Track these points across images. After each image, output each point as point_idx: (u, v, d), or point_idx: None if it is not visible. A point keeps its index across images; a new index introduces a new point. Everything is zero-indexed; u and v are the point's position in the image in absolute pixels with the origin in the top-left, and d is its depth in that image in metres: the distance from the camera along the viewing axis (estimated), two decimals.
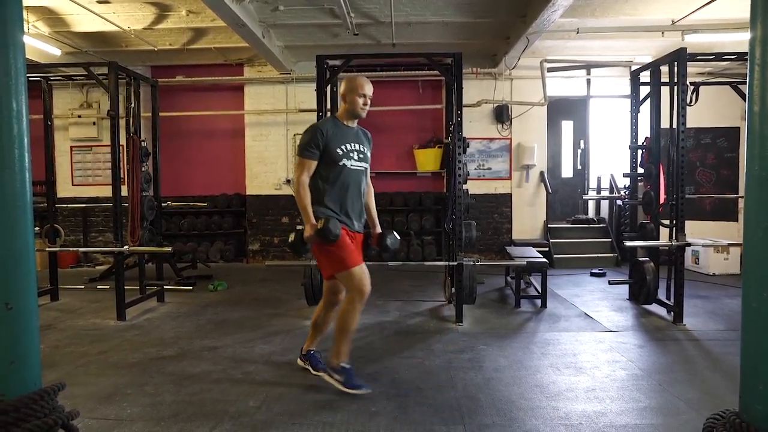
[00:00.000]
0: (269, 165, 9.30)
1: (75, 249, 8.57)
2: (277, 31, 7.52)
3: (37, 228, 6.15)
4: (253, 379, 3.65)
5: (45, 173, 6.19)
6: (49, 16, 6.78)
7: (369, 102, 3.39)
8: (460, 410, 3.10)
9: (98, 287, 6.93)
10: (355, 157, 3.37)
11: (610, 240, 8.97)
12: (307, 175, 3.27)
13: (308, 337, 3.75)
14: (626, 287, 6.16)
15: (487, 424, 2.92)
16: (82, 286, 6.99)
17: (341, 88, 3.41)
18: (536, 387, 3.48)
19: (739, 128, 8.92)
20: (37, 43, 7.17)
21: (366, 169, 3.47)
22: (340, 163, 3.29)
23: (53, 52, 7.57)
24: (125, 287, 5.34)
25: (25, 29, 5.94)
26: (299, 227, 3.35)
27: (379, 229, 3.62)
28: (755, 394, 1.51)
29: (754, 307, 1.53)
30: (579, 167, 9.72)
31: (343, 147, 3.31)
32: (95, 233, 9.57)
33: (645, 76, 5.91)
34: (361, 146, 3.44)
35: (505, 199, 9.29)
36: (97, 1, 6.22)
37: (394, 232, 3.57)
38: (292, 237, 3.37)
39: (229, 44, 7.92)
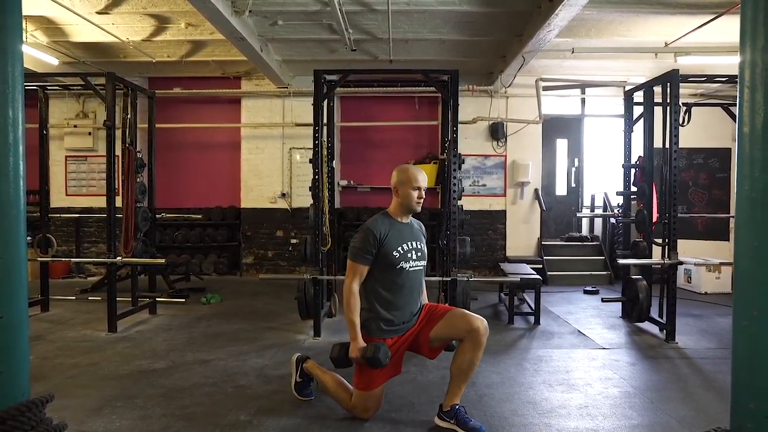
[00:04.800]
0: (265, 178, 9.31)
1: (67, 259, 8.50)
2: (276, 45, 7.57)
3: (29, 238, 6.11)
4: (244, 392, 3.62)
5: (39, 182, 6.17)
6: (48, 25, 6.81)
7: (424, 195, 3.13)
8: None
9: (90, 298, 6.87)
10: (414, 257, 3.12)
11: (603, 258, 8.99)
12: (359, 281, 3.04)
13: (448, 390, 3.10)
14: (619, 305, 6.17)
15: None
16: (74, 297, 6.92)
17: (393, 179, 3.14)
18: (529, 404, 3.47)
19: (730, 149, 9.02)
20: (35, 53, 7.19)
21: (424, 267, 3.22)
22: (398, 267, 3.05)
23: (51, 61, 7.59)
24: (117, 299, 5.30)
25: (24, 38, 5.96)
26: (343, 341, 3.12)
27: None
28: (746, 412, 1.52)
29: (744, 325, 1.54)
30: (573, 185, 9.76)
31: (400, 249, 3.07)
32: (88, 244, 9.51)
33: (638, 96, 5.98)
34: (419, 243, 3.19)
35: (500, 216, 9.31)
36: (97, 12, 6.25)
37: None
38: (335, 351, 3.12)
39: (227, 57, 7.96)
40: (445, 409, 3.05)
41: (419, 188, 3.09)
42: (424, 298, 3.33)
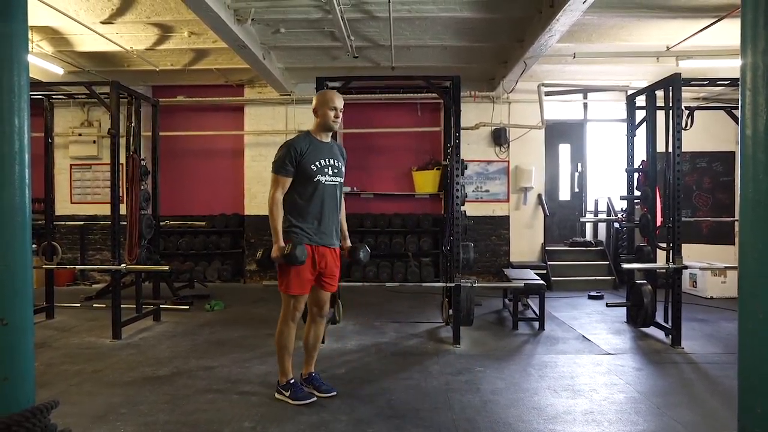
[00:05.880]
0: (268, 185, 9.28)
1: (72, 267, 8.53)
2: (278, 52, 7.61)
3: (34, 245, 6.13)
4: (248, 399, 3.62)
5: (44, 190, 6.20)
6: (53, 35, 6.86)
7: (340, 115, 3.46)
8: None
9: (94, 305, 6.88)
10: (330, 173, 3.45)
11: (607, 263, 8.96)
12: (281, 192, 3.41)
13: (304, 361, 3.74)
14: (624, 310, 6.15)
15: None
16: (78, 305, 6.95)
17: (313, 102, 3.49)
18: (534, 409, 3.45)
19: (733, 152, 8.99)
20: (41, 62, 7.23)
21: (340, 183, 3.56)
22: (315, 179, 3.38)
23: (56, 71, 7.64)
24: (121, 306, 5.32)
25: (30, 48, 6.01)
26: (267, 246, 3.48)
27: (349, 243, 3.76)
28: (753, 417, 1.51)
29: (750, 329, 1.53)
30: (576, 190, 9.75)
31: (317, 163, 3.39)
32: (92, 251, 9.55)
33: (641, 101, 5.98)
34: (336, 161, 3.51)
35: (503, 221, 9.30)
36: (101, 22, 6.29)
37: (366, 246, 3.75)
38: (259, 254, 3.53)
39: (230, 65, 8.00)
40: (304, 376, 3.67)
41: (335, 108, 3.41)
42: (344, 229, 3.72)
